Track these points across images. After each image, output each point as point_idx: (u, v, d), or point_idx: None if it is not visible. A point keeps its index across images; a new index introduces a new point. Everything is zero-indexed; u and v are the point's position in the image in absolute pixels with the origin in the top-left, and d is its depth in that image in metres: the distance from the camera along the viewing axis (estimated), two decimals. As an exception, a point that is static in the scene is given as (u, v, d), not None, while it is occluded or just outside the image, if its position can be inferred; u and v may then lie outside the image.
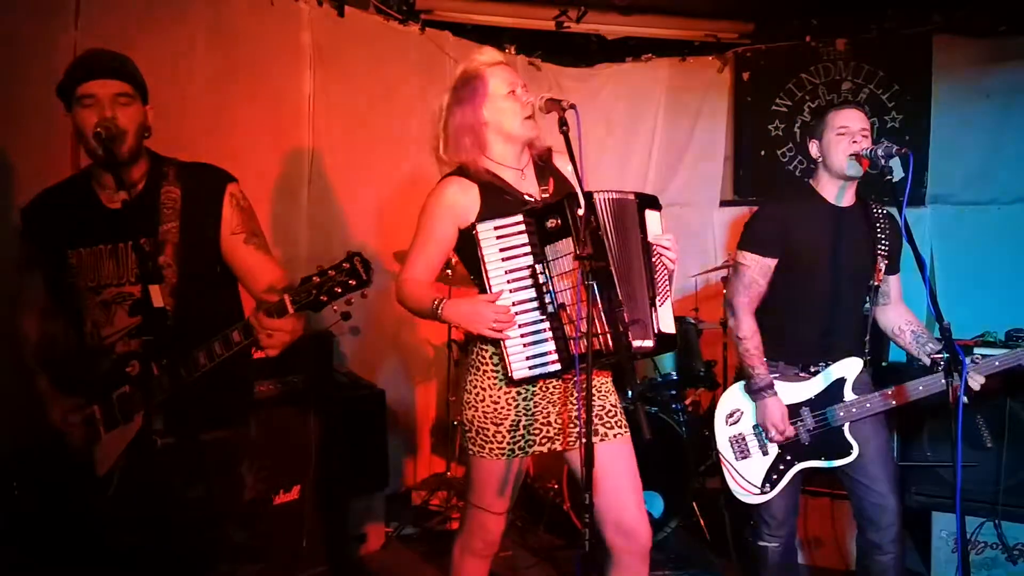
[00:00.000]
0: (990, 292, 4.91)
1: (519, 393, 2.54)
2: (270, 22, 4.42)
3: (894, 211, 3.16)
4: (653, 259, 2.54)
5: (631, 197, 2.55)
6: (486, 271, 2.43)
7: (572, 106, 2.41)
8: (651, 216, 2.58)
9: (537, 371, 2.42)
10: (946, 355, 2.51)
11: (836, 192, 3.05)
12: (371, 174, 4.96)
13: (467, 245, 2.51)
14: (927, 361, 3.04)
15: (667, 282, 2.57)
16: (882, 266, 3.06)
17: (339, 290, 2.12)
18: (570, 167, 2.36)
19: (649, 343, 2.44)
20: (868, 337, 3.09)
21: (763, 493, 3.08)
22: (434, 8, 5.23)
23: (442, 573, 4.12)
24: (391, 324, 4.89)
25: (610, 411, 2.62)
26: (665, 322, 2.51)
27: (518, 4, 5.41)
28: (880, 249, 3.05)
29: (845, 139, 2.95)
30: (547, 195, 2.60)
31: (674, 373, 4.58)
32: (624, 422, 2.63)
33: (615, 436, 2.59)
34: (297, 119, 4.58)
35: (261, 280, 2.41)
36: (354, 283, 2.13)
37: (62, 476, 2.41)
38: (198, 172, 2.47)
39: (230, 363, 2.26)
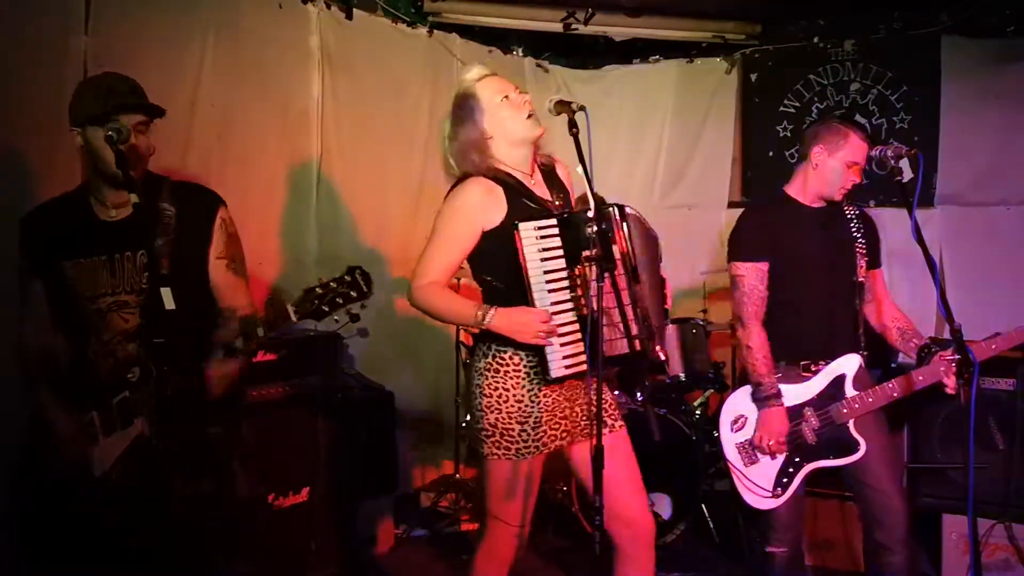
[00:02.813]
0: (1000, 293, 4.89)
1: (540, 390, 2.55)
2: (278, 25, 4.43)
3: (866, 210, 3.26)
4: (665, 291, 2.74)
5: (640, 215, 2.67)
6: (526, 272, 2.45)
7: (582, 108, 2.42)
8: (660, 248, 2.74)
9: (572, 371, 2.49)
10: (958, 356, 2.51)
11: (812, 197, 3.10)
12: (380, 176, 4.96)
13: (488, 247, 2.53)
14: (912, 355, 3.05)
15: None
16: (863, 263, 3.08)
17: (340, 301, 2.28)
18: (580, 168, 2.37)
19: (663, 356, 2.61)
20: (862, 331, 3.11)
21: (775, 496, 3.08)
22: (442, 10, 5.23)
23: (452, 575, 4.13)
24: (400, 326, 4.89)
25: (611, 403, 2.69)
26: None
27: (525, 6, 5.41)
28: (858, 246, 3.09)
29: (852, 174, 2.98)
30: (560, 203, 2.65)
31: (682, 375, 4.57)
32: (620, 415, 2.71)
33: (619, 427, 2.66)
34: (306, 122, 4.59)
35: (229, 300, 2.55)
36: (355, 295, 2.28)
37: (59, 480, 2.45)
38: (190, 193, 2.58)
39: None
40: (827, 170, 3.02)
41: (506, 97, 2.58)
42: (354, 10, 4.80)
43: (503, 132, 2.58)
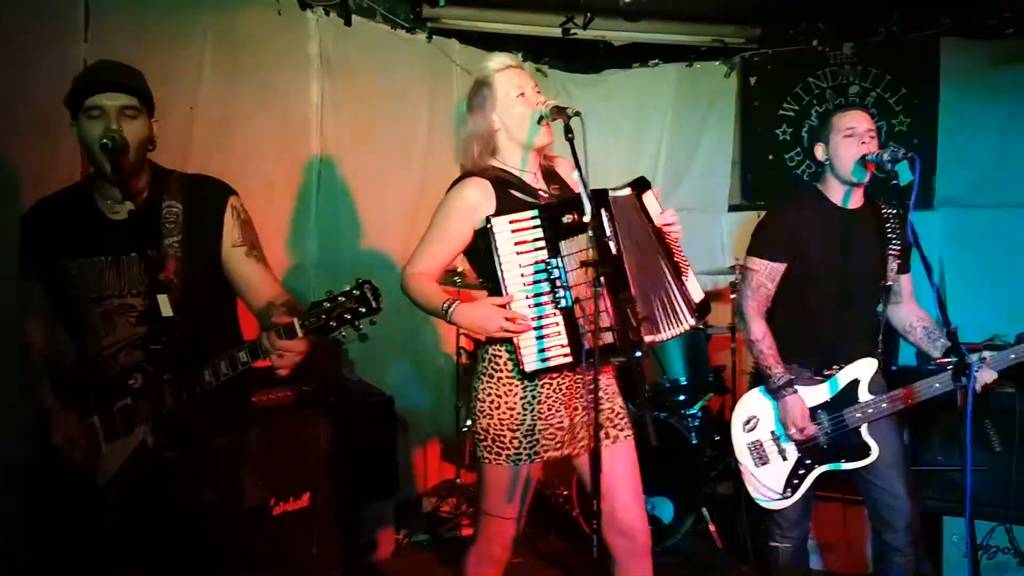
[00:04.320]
0: (1000, 295, 4.89)
1: (534, 397, 2.55)
2: (278, 32, 4.45)
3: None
4: (668, 241, 2.61)
5: (628, 192, 2.59)
6: (500, 265, 2.45)
7: (577, 113, 2.42)
8: (649, 199, 2.63)
9: (549, 363, 2.46)
10: (954, 358, 2.51)
11: (843, 194, 3.06)
12: (379, 182, 4.97)
13: (479, 246, 2.53)
14: (939, 355, 3.03)
15: (683, 254, 2.65)
16: (894, 266, 3.06)
17: (348, 316, 2.15)
18: (575, 173, 2.37)
19: (686, 326, 2.57)
20: (882, 336, 3.09)
21: (785, 498, 3.09)
22: (441, 16, 5.24)
23: (453, 580, 4.14)
24: (400, 331, 4.90)
25: (619, 413, 2.66)
26: (695, 293, 2.62)
27: (525, 11, 5.42)
28: (891, 249, 3.05)
29: (852, 141, 2.95)
30: (557, 193, 2.63)
31: (683, 379, 4.57)
32: (629, 424, 2.67)
33: (625, 438, 2.63)
34: (305, 128, 4.60)
35: (261, 295, 2.43)
36: (364, 310, 2.15)
37: (64, 486, 2.43)
38: (199, 185, 2.49)
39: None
40: (835, 156, 3.01)
41: (522, 94, 2.59)
42: (353, 16, 4.82)
43: (511, 128, 2.60)
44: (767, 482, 3.11)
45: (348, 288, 2.17)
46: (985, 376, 2.83)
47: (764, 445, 3.13)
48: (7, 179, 3.27)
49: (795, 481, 3.09)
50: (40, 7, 3.41)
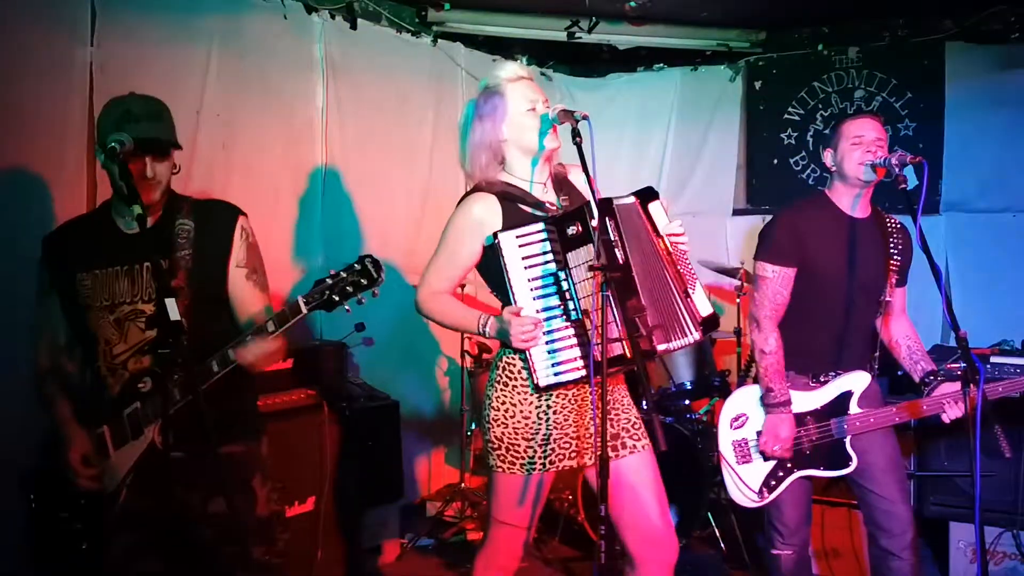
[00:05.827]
0: (1006, 300, 4.89)
1: (549, 407, 2.53)
2: (283, 36, 4.45)
3: (908, 222, 3.16)
4: (673, 252, 2.58)
5: (632, 200, 2.58)
6: (509, 280, 2.45)
7: (585, 117, 2.41)
8: (655, 209, 2.61)
9: (562, 377, 2.44)
10: (963, 365, 2.50)
11: (851, 202, 3.04)
12: (384, 185, 4.98)
13: (491, 261, 2.52)
14: (915, 377, 3.03)
15: (690, 267, 2.62)
16: (894, 280, 3.05)
17: (350, 289, 2.25)
18: (583, 178, 2.37)
19: (691, 339, 2.54)
20: (878, 351, 3.08)
21: (760, 499, 3.08)
22: (446, 20, 5.25)
23: (457, 584, 4.13)
24: (405, 335, 4.90)
25: (635, 423, 2.63)
26: (702, 306, 2.58)
27: (529, 15, 5.43)
28: (892, 263, 3.04)
29: (860, 149, 2.94)
30: (566, 204, 2.61)
31: (688, 383, 4.57)
32: (646, 434, 2.64)
33: (643, 448, 2.60)
34: (310, 131, 4.61)
35: (249, 311, 2.52)
36: (365, 282, 2.25)
37: (73, 495, 2.45)
38: (211, 207, 2.59)
39: (240, 377, 2.32)
40: (841, 162, 2.99)
41: (532, 108, 2.57)
42: (358, 20, 4.83)
43: (520, 141, 2.58)
44: (746, 480, 3.10)
45: (350, 264, 2.26)
46: (955, 411, 2.84)
47: (749, 444, 3.12)
48: (15, 181, 3.28)
49: (772, 482, 3.08)
50: (47, 11, 3.42)
